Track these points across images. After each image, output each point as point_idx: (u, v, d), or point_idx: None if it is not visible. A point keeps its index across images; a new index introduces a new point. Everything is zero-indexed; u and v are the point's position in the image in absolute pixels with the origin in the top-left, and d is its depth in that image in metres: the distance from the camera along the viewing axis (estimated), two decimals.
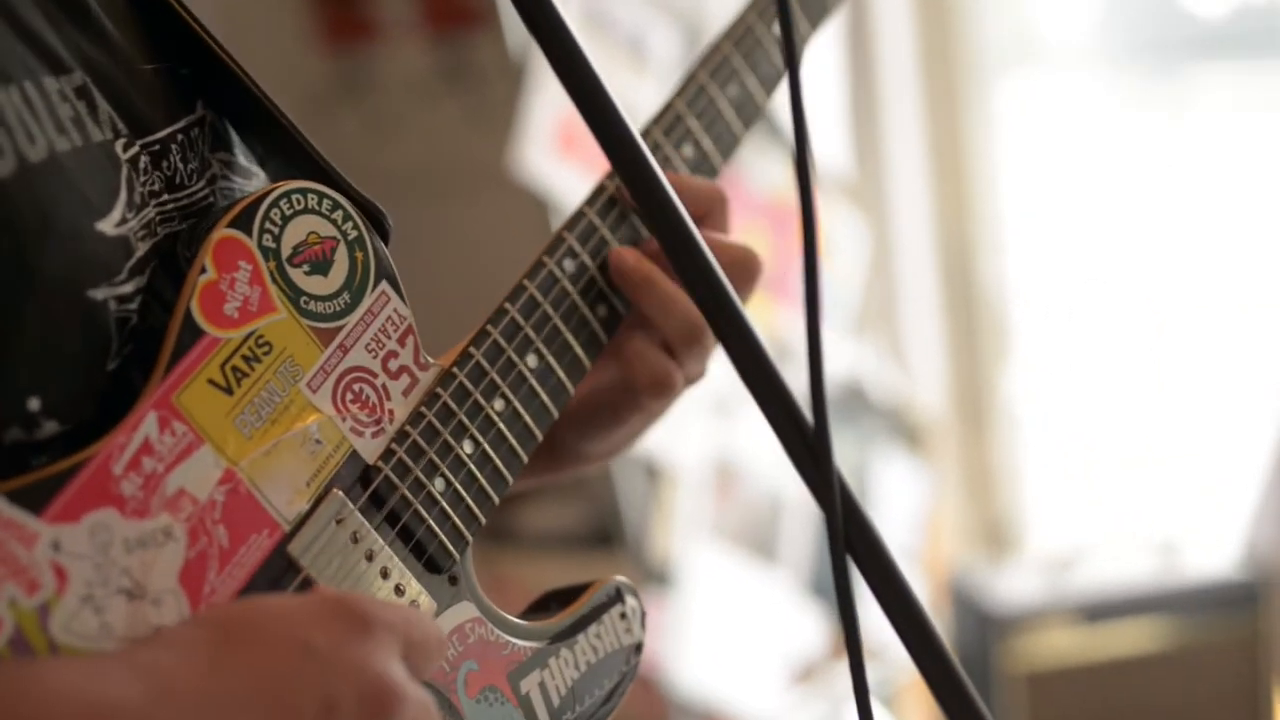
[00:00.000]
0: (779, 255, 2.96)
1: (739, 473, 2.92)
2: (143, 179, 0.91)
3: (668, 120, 1.14)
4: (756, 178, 2.98)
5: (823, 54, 3.06)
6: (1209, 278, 3.47)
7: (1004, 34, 3.45)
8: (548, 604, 1.05)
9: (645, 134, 1.12)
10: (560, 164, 2.55)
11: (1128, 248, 3.52)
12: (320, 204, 0.95)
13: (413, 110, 3.75)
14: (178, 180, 0.95)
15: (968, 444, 3.58)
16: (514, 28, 2.61)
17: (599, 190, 1.11)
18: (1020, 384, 3.60)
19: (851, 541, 0.90)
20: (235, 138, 1.02)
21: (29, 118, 0.84)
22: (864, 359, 3.20)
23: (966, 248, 3.48)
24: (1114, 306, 3.55)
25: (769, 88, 1.21)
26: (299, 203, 0.94)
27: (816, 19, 1.29)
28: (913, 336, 3.43)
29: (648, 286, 1.08)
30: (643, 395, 1.10)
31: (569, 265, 1.07)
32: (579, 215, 1.09)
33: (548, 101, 2.55)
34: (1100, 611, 3.27)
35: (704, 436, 2.84)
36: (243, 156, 1.02)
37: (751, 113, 1.20)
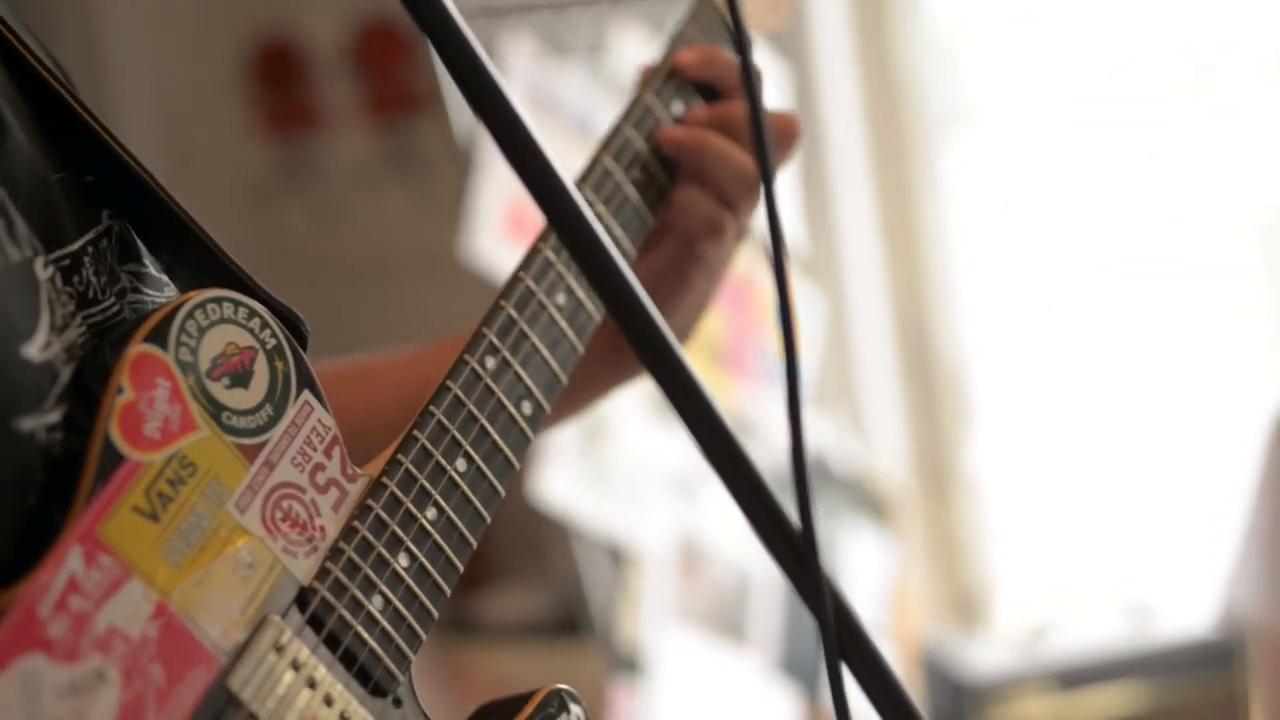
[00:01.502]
0: (736, 330, 2.93)
1: (704, 553, 2.88)
2: (61, 298, 0.87)
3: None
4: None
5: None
6: (1173, 335, 3.46)
7: (950, 97, 3.44)
8: (488, 718, 1.00)
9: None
10: (510, 247, 2.51)
11: (1087, 308, 3.51)
12: (236, 312, 0.91)
13: (358, 197, 3.72)
14: (90, 295, 0.90)
15: (933, 514, 3.54)
16: (460, 112, 2.58)
17: (513, 281, 1.07)
18: (983, 451, 3.57)
19: (843, 646, 0.86)
20: (142, 247, 0.97)
21: None
22: (824, 431, 3.16)
23: (923, 315, 3.46)
24: (1076, 369, 3.53)
25: (670, 171, 1.18)
26: (214, 312, 0.89)
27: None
28: (873, 407, 3.40)
29: (704, 144, 1.13)
30: (698, 241, 1.15)
31: (490, 363, 1.02)
32: (496, 309, 1.05)
33: (495, 185, 2.52)
34: (1075, 678, 3.24)
35: (667, 517, 2.80)
36: (152, 266, 0.98)
37: (654, 195, 1.17)
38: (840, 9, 3.27)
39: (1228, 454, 3.26)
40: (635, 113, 1.18)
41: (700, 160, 1.14)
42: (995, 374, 3.57)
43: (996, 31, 3.45)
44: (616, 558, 2.73)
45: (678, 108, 1.19)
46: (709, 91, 1.21)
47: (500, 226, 2.53)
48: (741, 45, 0.98)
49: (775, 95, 3.02)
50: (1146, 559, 3.51)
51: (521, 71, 2.62)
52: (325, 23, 3.68)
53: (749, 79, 0.96)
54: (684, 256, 1.16)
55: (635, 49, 2.85)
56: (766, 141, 0.94)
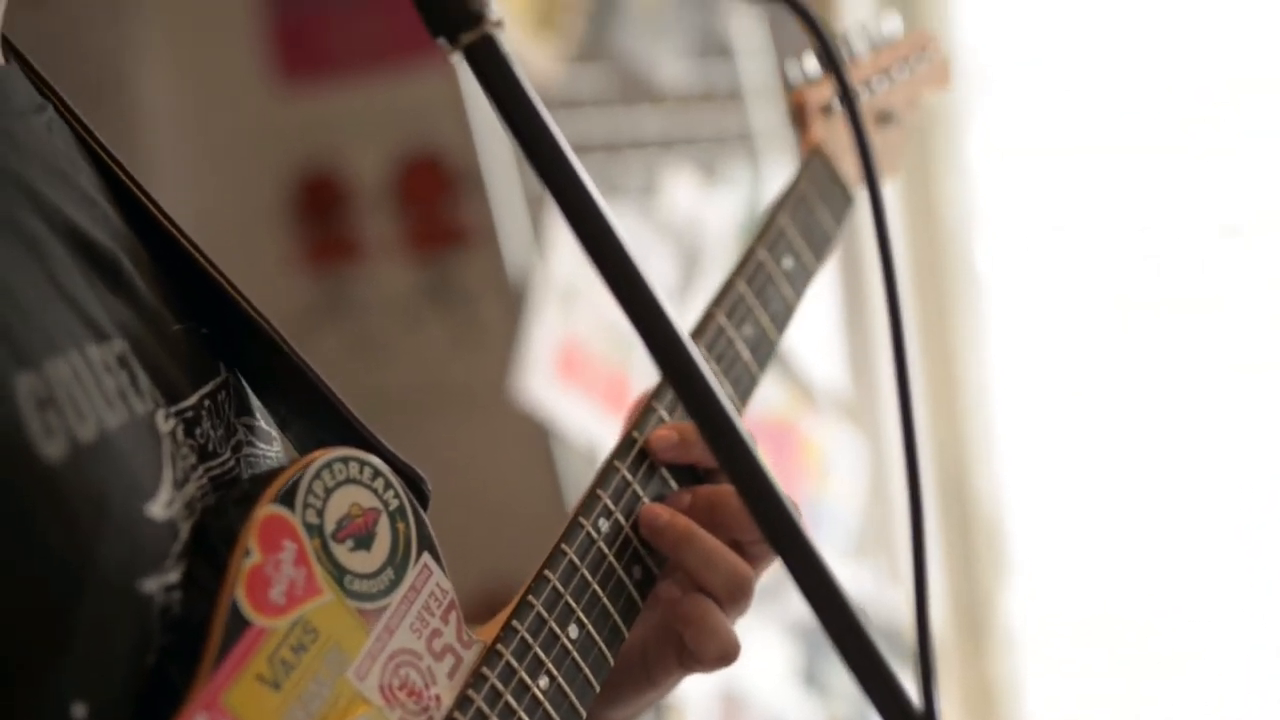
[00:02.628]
0: (779, 476, 2.91)
1: (745, 700, 2.84)
2: (182, 452, 0.85)
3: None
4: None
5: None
6: (1217, 483, 3.43)
7: (995, 251, 3.45)
8: None
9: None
10: (562, 390, 2.50)
11: (1129, 456, 3.48)
12: (361, 472, 0.90)
13: (398, 330, 3.72)
14: (210, 449, 0.90)
15: (969, 663, 3.50)
16: (511, 248, 2.59)
17: (628, 443, 1.06)
18: (1021, 601, 3.53)
19: None
20: (254, 400, 0.97)
21: (78, 392, 0.79)
22: (862, 580, 3.13)
23: (962, 463, 3.44)
24: (1116, 517, 3.50)
25: (781, 325, 1.19)
26: (340, 472, 0.89)
27: (840, 214, 1.28)
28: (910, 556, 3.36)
29: (688, 542, 1.02)
30: (707, 665, 1.03)
31: (604, 525, 1.01)
32: (610, 470, 1.04)
33: (548, 326, 2.52)
34: None
35: None
36: (262, 419, 0.97)
37: (766, 352, 1.17)
38: None
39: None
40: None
41: (684, 556, 1.02)
42: (1033, 523, 3.54)
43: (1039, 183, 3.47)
44: (658, 710, 2.69)
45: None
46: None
47: (552, 368, 2.52)
48: (875, 194, 0.98)
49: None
50: (1189, 707, 3.46)
51: None
52: (369, 155, 3.70)
53: (883, 236, 0.95)
54: (660, 660, 1.04)
55: (687, 191, 2.86)
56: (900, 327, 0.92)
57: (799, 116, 1.29)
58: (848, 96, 0.96)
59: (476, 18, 0.85)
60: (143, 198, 0.94)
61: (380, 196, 3.72)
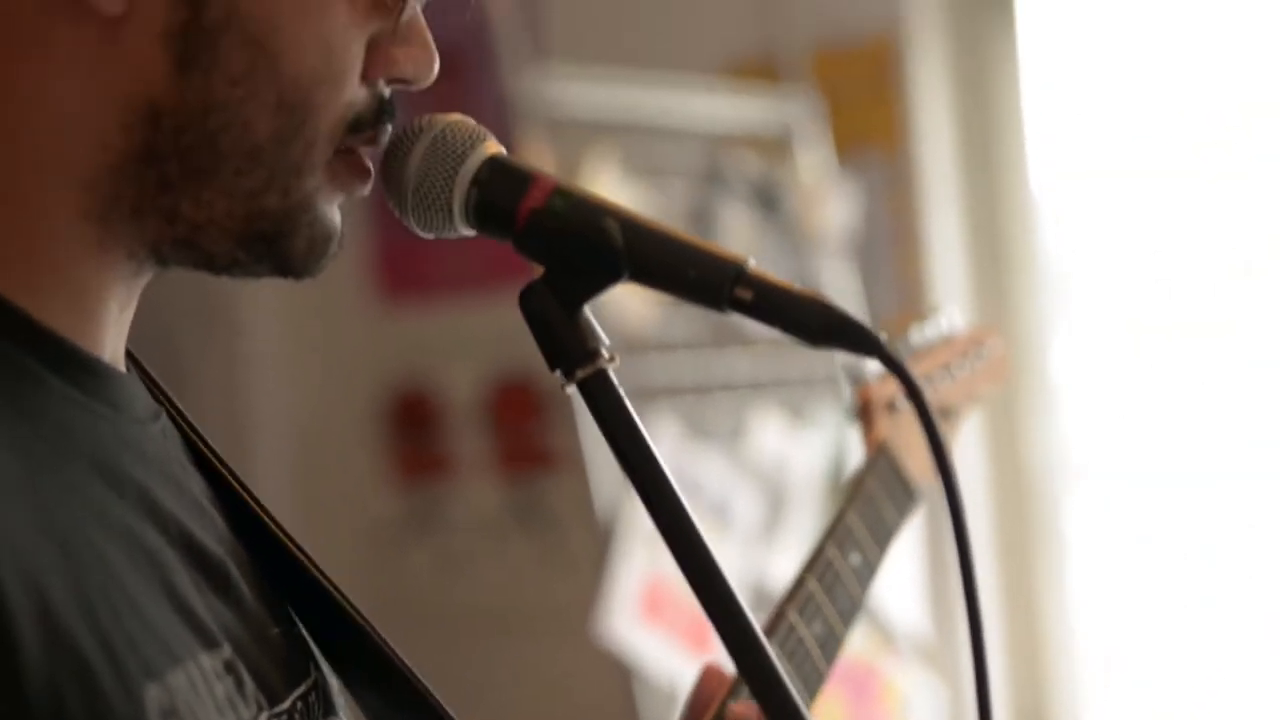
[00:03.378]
0: (860, 719, 2.91)
1: None
2: None
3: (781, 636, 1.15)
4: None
5: None
6: None
7: (1079, 505, 3.46)
8: None
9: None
10: (645, 629, 2.53)
11: (1214, 698, 3.45)
12: None
13: (484, 548, 3.77)
14: None
15: None
16: (600, 478, 2.63)
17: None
18: None
19: None
20: (338, 699, 1.00)
21: (195, 701, 0.83)
22: None
23: (1042, 709, 3.42)
24: None
25: (848, 621, 1.22)
26: None
27: (904, 510, 1.32)
28: None
29: None
30: None
31: None
32: None
33: (634, 566, 2.55)
34: None
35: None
36: (344, 716, 1.01)
37: (833, 649, 1.20)
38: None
39: None
40: None
41: None
42: None
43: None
44: None
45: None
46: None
47: (636, 607, 2.55)
48: (950, 488, 1.00)
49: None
50: None
51: (665, 455, 2.68)
52: (463, 375, 3.79)
53: (960, 531, 0.99)
54: None
55: (775, 433, 2.91)
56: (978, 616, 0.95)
57: (864, 413, 1.33)
58: (925, 411, 0.97)
59: (592, 354, 0.91)
60: (250, 501, 0.99)
61: (472, 416, 3.80)
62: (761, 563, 2.86)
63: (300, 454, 4.01)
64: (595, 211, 0.91)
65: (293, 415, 4.04)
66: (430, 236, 0.95)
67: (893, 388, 1.32)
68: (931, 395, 1.33)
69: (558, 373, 0.93)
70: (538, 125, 2.72)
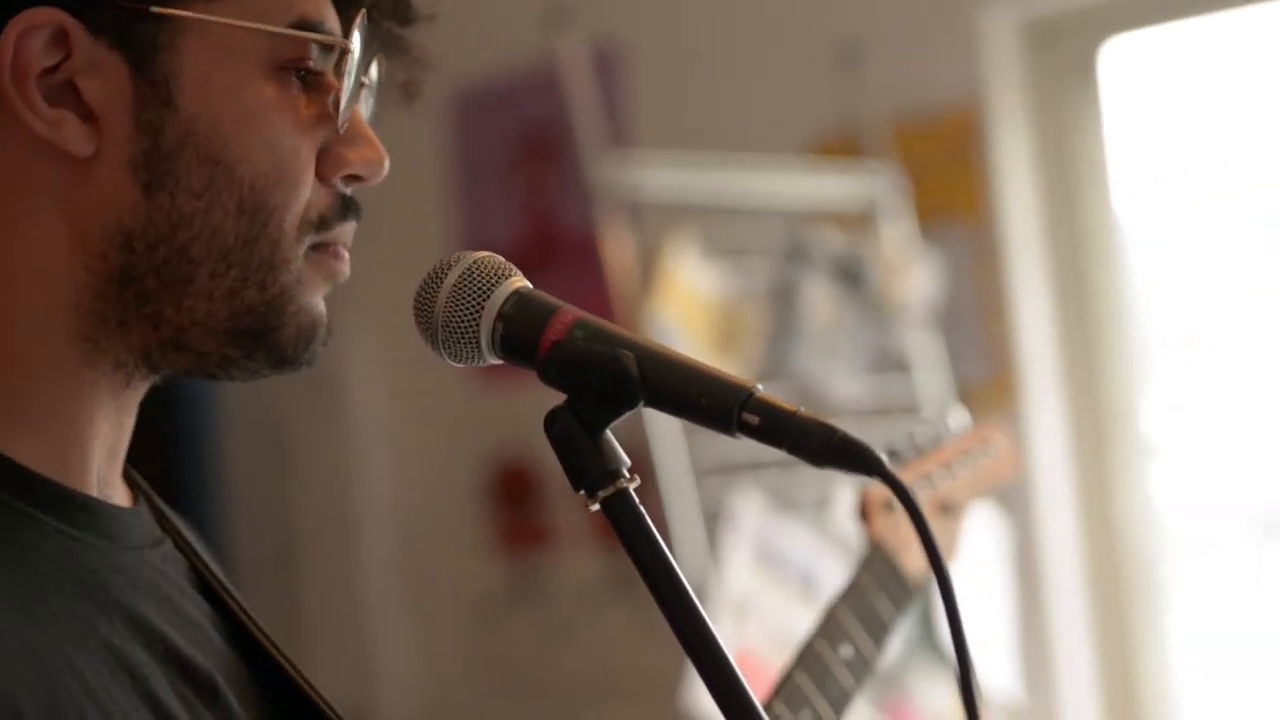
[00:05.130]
0: None
1: None
2: None
3: None
4: (923, 705, 2.98)
5: (990, 577, 3.09)
6: None
7: (1176, 563, 3.46)
8: None
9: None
10: None
11: None
12: None
13: (584, 617, 3.83)
14: None
15: None
16: (685, 551, 2.68)
17: None
18: None
19: None
20: None
21: None
22: None
23: None
24: None
25: (839, 710, 1.27)
26: None
27: (900, 603, 1.37)
28: None
29: None
30: None
31: None
32: None
33: (721, 635, 2.59)
34: None
35: None
36: None
37: None
38: (1063, 466, 3.34)
39: None
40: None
41: None
42: None
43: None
44: None
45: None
46: None
47: None
48: (943, 583, 1.04)
49: (997, 547, 3.08)
50: None
51: (750, 527, 2.73)
52: None
53: (955, 625, 1.03)
54: None
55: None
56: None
57: (864, 513, 1.39)
58: (917, 516, 1.01)
59: (613, 475, 0.97)
60: (248, 622, 1.06)
61: (569, 488, 3.86)
62: None
63: (406, 528, 4.10)
64: (613, 342, 0.97)
65: (398, 490, 4.13)
66: (460, 366, 1.02)
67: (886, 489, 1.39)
68: (929, 494, 1.39)
69: (581, 493, 0.99)
70: (619, 209, 2.80)
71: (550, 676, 3.84)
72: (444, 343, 1.00)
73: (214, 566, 1.08)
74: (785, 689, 1.24)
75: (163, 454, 4.30)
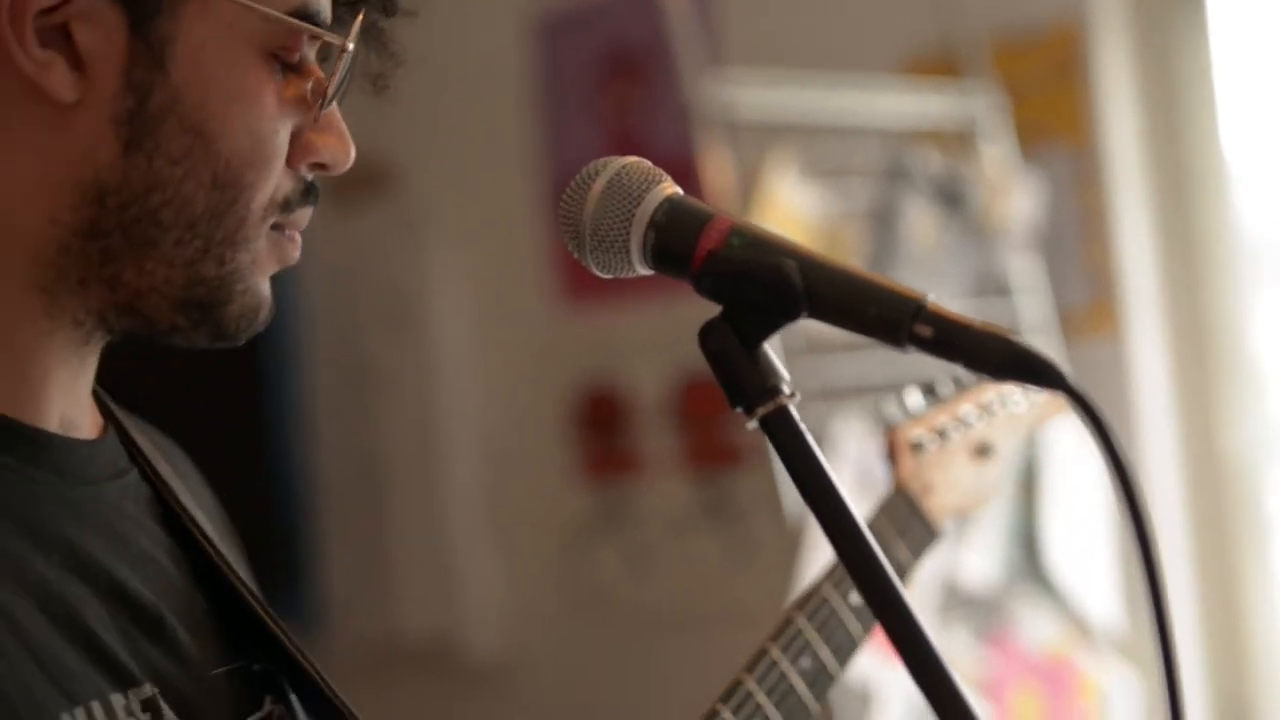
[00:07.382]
0: (1053, 713, 2.89)
1: None
2: None
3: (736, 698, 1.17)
4: (1027, 635, 2.93)
5: (1091, 509, 3.04)
6: None
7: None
8: None
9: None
10: None
11: None
12: None
13: (672, 545, 3.80)
14: None
15: None
16: (787, 486, 2.64)
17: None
18: None
19: None
20: None
21: None
22: None
23: (1244, 702, 3.35)
24: None
25: (843, 658, 1.23)
26: None
27: (919, 548, 1.33)
28: None
29: None
30: None
31: None
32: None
33: (823, 561, 2.55)
34: None
35: None
36: None
37: (824, 685, 1.21)
38: (1165, 392, 3.28)
39: None
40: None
41: None
42: None
43: None
44: None
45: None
46: None
47: None
48: (1133, 505, 0.99)
49: (1096, 475, 3.02)
50: None
51: (852, 452, 2.69)
52: (651, 375, 3.82)
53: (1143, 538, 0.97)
54: None
55: None
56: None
57: (891, 454, 1.34)
58: (1110, 442, 0.96)
59: (772, 391, 0.92)
60: (211, 552, 1.06)
61: (659, 414, 3.83)
62: (952, 559, 2.85)
63: (490, 454, 4.08)
64: (773, 251, 0.92)
65: (483, 416, 4.11)
66: (608, 277, 0.97)
67: (918, 429, 1.34)
68: (963, 435, 1.33)
69: (739, 409, 0.94)
70: (717, 130, 2.74)
71: (637, 605, 3.81)
72: (591, 252, 0.96)
73: (185, 496, 1.07)
74: (786, 634, 1.21)
75: (249, 393, 4.29)
